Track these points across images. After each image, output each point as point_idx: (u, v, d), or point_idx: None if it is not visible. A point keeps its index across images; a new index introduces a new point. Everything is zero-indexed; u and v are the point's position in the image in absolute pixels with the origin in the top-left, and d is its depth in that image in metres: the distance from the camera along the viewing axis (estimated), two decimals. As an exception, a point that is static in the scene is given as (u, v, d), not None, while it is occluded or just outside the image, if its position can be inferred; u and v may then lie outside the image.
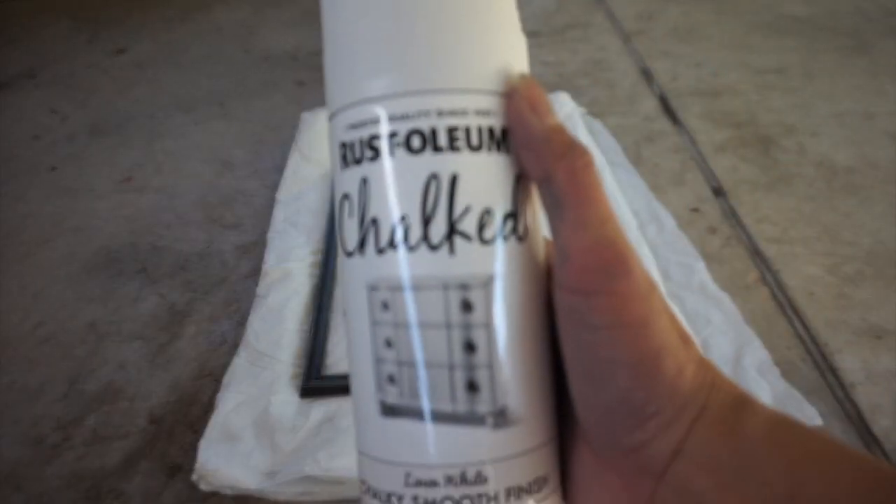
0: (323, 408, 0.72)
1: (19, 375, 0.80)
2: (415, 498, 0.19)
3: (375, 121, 0.19)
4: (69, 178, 1.18)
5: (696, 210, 1.03)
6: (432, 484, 0.19)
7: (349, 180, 0.20)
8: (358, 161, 0.20)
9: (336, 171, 0.21)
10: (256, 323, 0.83)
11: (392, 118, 0.19)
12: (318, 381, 0.75)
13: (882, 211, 1.00)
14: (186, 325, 0.86)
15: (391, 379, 0.19)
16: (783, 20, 1.64)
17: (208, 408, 0.73)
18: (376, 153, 0.19)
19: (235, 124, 1.32)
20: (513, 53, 0.20)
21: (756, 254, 0.94)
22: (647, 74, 1.44)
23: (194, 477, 0.66)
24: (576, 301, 0.18)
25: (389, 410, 0.20)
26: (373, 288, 0.19)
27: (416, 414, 0.19)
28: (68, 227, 1.06)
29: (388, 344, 0.19)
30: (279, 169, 1.12)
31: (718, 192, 1.07)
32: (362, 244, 0.20)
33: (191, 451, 0.68)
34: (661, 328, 0.18)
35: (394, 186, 0.19)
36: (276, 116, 1.32)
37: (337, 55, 0.20)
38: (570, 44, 1.59)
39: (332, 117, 0.21)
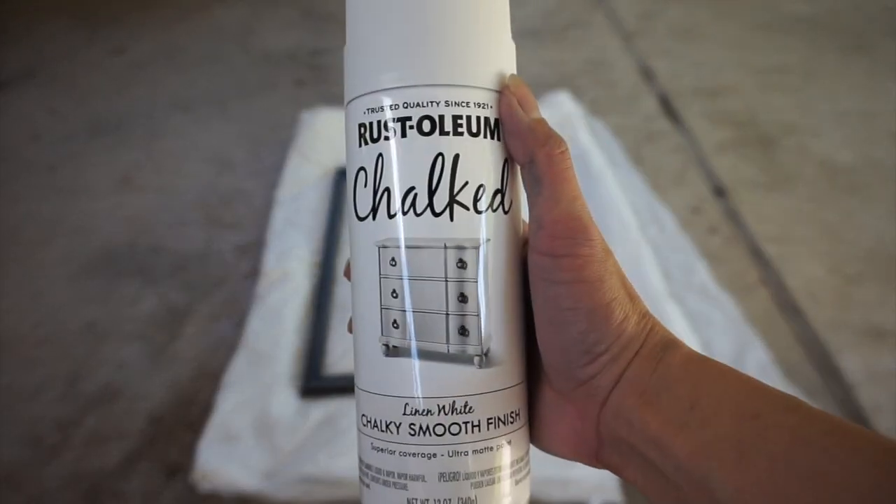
0: (322, 408, 0.72)
1: (18, 376, 0.80)
2: (411, 425, 0.23)
3: (393, 106, 0.23)
4: (68, 178, 1.18)
5: (696, 210, 1.03)
6: (427, 413, 0.23)
7: (365, 156, 0.23)
8: (375, 139, 0.23)
9: (352, 148, 0.24)
10: (256, 323, 0.83)
11: (407, 105, 0.23)
12: (318, 381, 0.75)
13: (884, 211, 1.00)
14: (186, 325, 0.86)
15: (395, 324, 0.23)
16: (784, 19, 1.64)
17: (208, 408, 0.73)
18: (392, 133, 0.23)
19: (235, 124, 1.31)
20: (506, 58, 0.24)
21: (757, 254, 0.94)
22: (647, 74, 1.44)
23: (194, 477, 0.66)
24: (546, 262, 0.22)
25: (393, 351, 0.23)
26: (383, 247, 0.23)
27: (416, 354, 0.23)
28: (67, 227, 1.05)
29: (394, 294, 0.23)
30: (279, 169, 1.12)
31: (719, 192, 1.07)
32: (375, 210, 0.23)
33: (190, 451, 0.68)
34: (612, 285, 0.22)
35: (406, 162, 0.23)
36: (276, 116, 1.31)
37: (361, 50, 0.24)
38: (570, 43, 1.58)
39: (350, 101, 0.24)
